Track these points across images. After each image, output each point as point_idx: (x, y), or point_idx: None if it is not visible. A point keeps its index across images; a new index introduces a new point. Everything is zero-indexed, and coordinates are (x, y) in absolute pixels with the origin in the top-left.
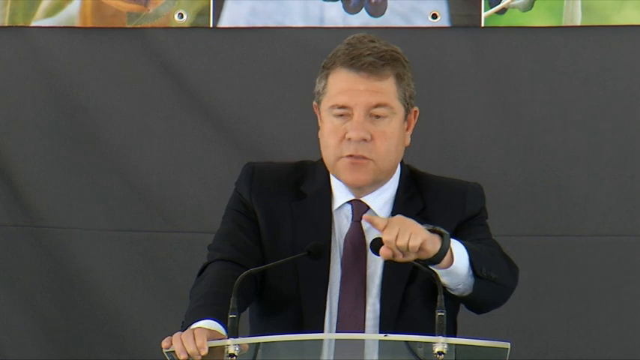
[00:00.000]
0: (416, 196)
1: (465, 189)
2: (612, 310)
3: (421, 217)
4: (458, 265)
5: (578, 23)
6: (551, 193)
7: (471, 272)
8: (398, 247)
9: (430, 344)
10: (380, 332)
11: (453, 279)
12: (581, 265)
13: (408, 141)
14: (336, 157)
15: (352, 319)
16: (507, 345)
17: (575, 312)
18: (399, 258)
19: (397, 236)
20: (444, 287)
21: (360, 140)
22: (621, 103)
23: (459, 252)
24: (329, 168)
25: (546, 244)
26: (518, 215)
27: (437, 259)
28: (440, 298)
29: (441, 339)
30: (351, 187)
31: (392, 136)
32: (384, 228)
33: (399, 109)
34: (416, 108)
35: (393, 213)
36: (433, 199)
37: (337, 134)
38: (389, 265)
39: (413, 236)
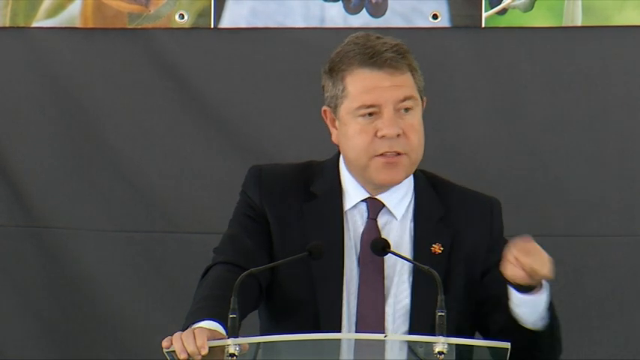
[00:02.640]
0: (435, 201)
1: (491, 204)
2: (612, 310)
3: (442, 224)
4: (542, 297)
5: (579, 24)
6: (551, 193)
7: (545, 308)
8: (533, 272)
9: (430, 344)
10: (409, 333)
11: (533, 310)
12: (581, 265)
13: None
14: (369, 156)
15: (372, 317)
16: (507, 345)
17: (575, 312)
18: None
19: (541, 265)
20: (520, 321)
21: (394, 136)
22: (622, 103)
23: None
24: (358, 169)
25: (547, 244)
26: (518, 216)
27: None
28: (440, 298)
29: (441, 339)
30: (384, 186)
31: (420, 128)
32: (527, 254)
33: (419, 101)
34: (425, 97)
35: (416, 215)
36: (456, 207)
37: (367, 134)
38: (419, 272)
39: (549, 267)
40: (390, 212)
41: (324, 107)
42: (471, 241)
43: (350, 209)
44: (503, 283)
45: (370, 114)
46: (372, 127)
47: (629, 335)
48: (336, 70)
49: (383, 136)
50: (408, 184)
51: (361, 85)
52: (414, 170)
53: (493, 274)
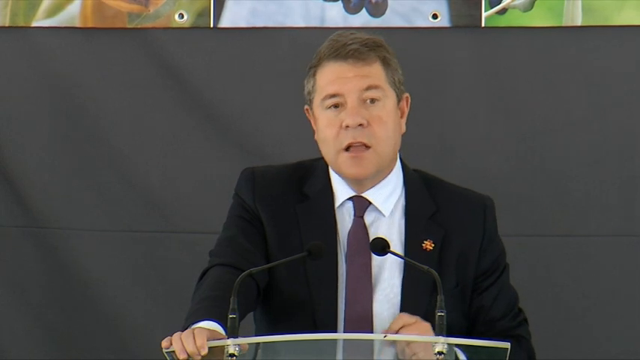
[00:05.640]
0: (426, 198)
1: (483, 203)
2: (612, 310)
3: (433, 221)
4: None
5: (579, 23)
6: (551, 193)
7: None
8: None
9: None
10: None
11: None
12: (581, 265)
13: (403, 128)
14: (337, 150)
15: (360, 316)
16: (507, 345)
17: (575, 312)
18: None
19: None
20: None
21: (356, 126)
22: (622, 103)
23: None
24: (330, 164)
25: (547, 244)
26: (519, 216)
27: None
28: (440, 298)
29: (441, 339)
30: (355, 180)
31: (388, 120)
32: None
33: (391, 93)
34: (407, 94)
35: (407, 212)
36: (447, 204)
37: (334, 126)
38: (409, 270)
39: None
40: (377, 209)
41: (305, 106)
42: (462, 239)
43: (338, 207)
44: (493, 296)
45: (336, 105)
46: (338, 120)
47: (629, 335)
48: (310, 67)
49: (347, 127)
50: (396, 181)
51: (326, 76)
52: (384, 165)
53: (484, 287)
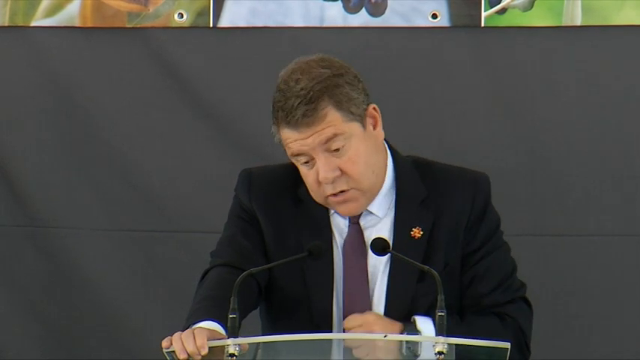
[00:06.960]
0: (418, 184)
1: (475, 179)
2: (612, 310)
3: (424, 206)
4: None
5: (578, 23)
6: (551, 193)
7: None
8: None
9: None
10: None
11: None
12: (581, 265)
13: (381, 136)
14: (322, 197)
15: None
16: (507, 345)
17: (575, 312)
18: None
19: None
20: None
21: (331, 180)
22: (621, 103)
23: None
24: (322, 204)
25: (546, 243)
26: (518, 215)
27: None
28: (440, 298)
29: (441, 339)
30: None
31: (359, 157)
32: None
33: (352, 128)
34: (373, 105)
35: (397, 202)
36: (439, 186)
37: (312, 178)
38: (396, 266)
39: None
40: (371, 213)
41: None
42: (452, 217)
43: (333, 213)
44: (482, 270)
45: (306, 162)
46: (313, 172)
47: (629, 335)
48: (273, 118)
49: (321, 183)
50: (388, 186)
51: (287, 138)
52: (373, 194)
53: (473, 261)
